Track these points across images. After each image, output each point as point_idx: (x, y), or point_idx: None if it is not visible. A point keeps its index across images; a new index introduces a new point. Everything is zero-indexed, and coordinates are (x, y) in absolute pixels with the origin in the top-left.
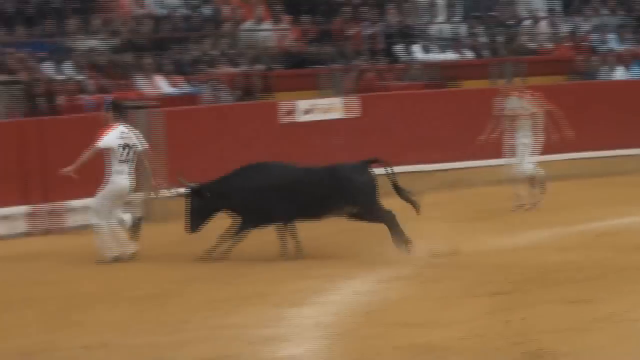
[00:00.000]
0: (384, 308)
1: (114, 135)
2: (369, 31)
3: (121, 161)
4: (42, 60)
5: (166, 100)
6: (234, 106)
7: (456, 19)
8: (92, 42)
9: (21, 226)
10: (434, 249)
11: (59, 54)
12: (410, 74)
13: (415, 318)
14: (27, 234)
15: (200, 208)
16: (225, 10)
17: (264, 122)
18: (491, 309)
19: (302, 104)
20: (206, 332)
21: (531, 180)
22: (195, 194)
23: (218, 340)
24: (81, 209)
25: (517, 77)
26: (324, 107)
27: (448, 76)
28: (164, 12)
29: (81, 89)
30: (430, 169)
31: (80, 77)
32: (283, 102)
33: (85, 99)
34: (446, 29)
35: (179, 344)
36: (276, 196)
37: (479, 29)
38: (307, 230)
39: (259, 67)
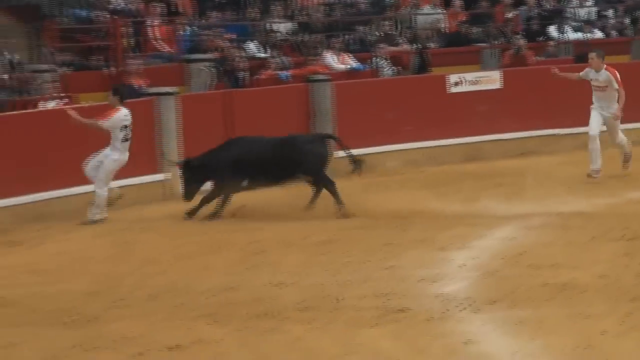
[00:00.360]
0: (524, 251)
1: (118, 118)
2: (525, 14)
3: (123, 140)
4: (241, 41)
5: (340, 75)
6: (408, 78)
7: (589, 3)
8: (285, 25)
9: None
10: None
11: (255, 36)
12: (548, 51)
13: (551, 259)
14: None
15: (191, 178)
16: None
17: (431, 94)
18: (624, 252)
19: (467, 76)
20: (371, 272)
21: (620, 150)
22: (186, 167)
23: (380, 280)
24: None
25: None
26: (478, 80)
27: (581, 53)
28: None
29: (275, 66)
30: (561, 133)
31: (272, 55)
32: (451, 76)
33: (280, 73)
34: (582, 12)
35: (344, 284)
36: (245, 165)
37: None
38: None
39: (426, 45)
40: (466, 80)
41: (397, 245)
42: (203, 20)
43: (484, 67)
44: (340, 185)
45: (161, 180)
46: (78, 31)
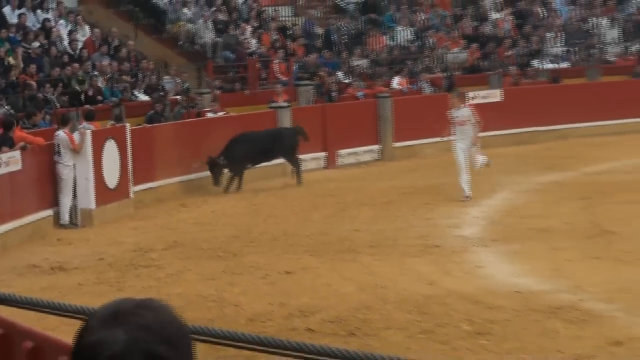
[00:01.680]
0: (516, 207)
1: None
2: (515, 52)
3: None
4: (333, 72)
5: (397, 93)
6: (434, 96)
7: (559, 44)
8: (363, 61)
9: (322, 163)
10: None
11: (342, 68)
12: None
13: (534, 212)
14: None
15: (217, 170)
16: (434, 41)
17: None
18: (582, 207)
19: (481, 93)
20: (415, 222)
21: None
22: (211, 164)
23: (421, 227)
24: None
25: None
26: (487, 95)
27: (555, 77)
28: (402, 43)
29: (355, 88)
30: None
31: (353, 81)
32: (469, 92)
33: (358, 93)
34: (553, 50)
35: (398, 229)
36: (248, 155)
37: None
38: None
39: (453, 73)
40: (479, 96)
41: (432, 204)
42: (307, 58)
43: (491, 87)
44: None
45: (280, 164)
46: (227, 67)
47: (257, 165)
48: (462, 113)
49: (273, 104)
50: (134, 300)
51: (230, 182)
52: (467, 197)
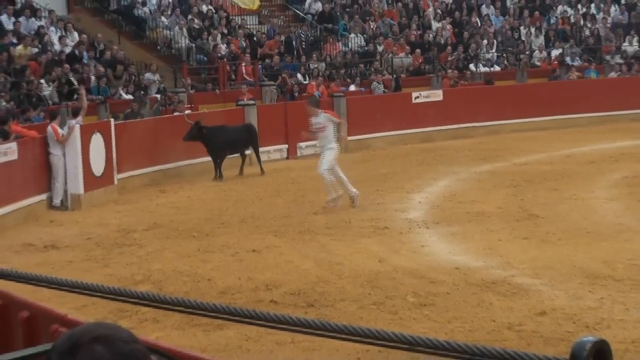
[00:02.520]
0: (455, 193)
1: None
2: (454, 57)
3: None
4: (293, 74)
5: (351, 93)
6: (384, 96)
7: (493, 50)
8: (320, 64)
9: (284, 154)
10: (473, 168)
11: (302, 70)
12: (468, 77)
13: (470, 198)
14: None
15: (195, 131)
16: (380, 47)
17: (402, 103)
18: (512, 193)
19: (423, 93)
20: (367, 206)
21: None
22: (196, 127)
23: (372, 210)
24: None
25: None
26: (429, 95)
27: (488, 79)
28: (355, 48)
29: (313, 88)
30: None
31: (311, 82)
32: (414, 93)
33: (315, 92)
34: (488, 55)
35: (352, 213)
36: (226, 140)
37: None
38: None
39: (399, 75)
40: (422, 96)
41: (382, 191)
42: (271, 61)
43: (433, 88)
44: (354, 156)
45: (249, 154)
46: (200, 69)
47: (232, 155)
48: (320, 120)
49: (240, 102)
50: (92, 332)
51: (217, 171)
52: (331, 201)
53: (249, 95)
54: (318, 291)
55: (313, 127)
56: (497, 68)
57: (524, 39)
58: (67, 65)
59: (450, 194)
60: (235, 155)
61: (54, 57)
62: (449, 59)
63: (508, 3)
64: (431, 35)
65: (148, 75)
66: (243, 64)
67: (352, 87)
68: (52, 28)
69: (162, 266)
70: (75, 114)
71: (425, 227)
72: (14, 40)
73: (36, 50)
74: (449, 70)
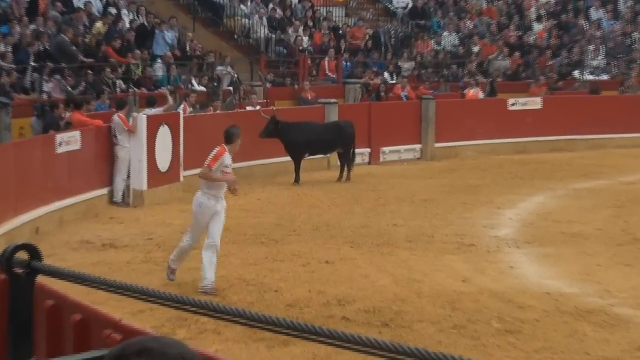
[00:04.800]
0: (550, 211)
1: None
2: (556, 62)
3: None
4: (380, 73)
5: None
6: (477, 101)
7: (600, 57)
8: (409, 63)
9: (366, 159)
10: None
11: (389, 69)
12: (573, 86)
13: (567, 217)
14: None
15: (272, 126)
16: (476, 48)
17: (497, 109)
18: (614, 214)
19: (520, 100)
20: (452, 220)
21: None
22: (273, 122)
23: (458, 225)
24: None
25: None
26: (524, 102)
27: (594, 88)
28: (449, 48)
29: (400, 87)
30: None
31: (398, 82)
32: (510, 99)
33: (402, 93)
34: (594, 62)
35: (436, 227)
36: (305, 140)
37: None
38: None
39: (495, 79)
40: (519, 102)
41: (469, 204)
42: (356, 58)
43: (531, 95)
44: (440, 164)
45: (326, 156)
46: (279, 62)
47: (315, 156)
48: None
49: (321, 100)
50: (140, 344)
51: (297, 173)
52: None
53: (312, 93)
54: (394, 310)
55: (224, 168)
56: (604, 76)
57: (636, 46)
58: (137, 52)
59: (545, 212)
60: (322, 156)
61: (124, 42)
62: (548, 63)
63: (621, 6)
64: (532, 37)
65: (220, 68)
66: (326, 59)
67: (474, 91)
68: (123, 11)
69: (226, 273)
70: (151, 104)
71: (516, 246)
72: (86, 22)
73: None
74: (549, 76)
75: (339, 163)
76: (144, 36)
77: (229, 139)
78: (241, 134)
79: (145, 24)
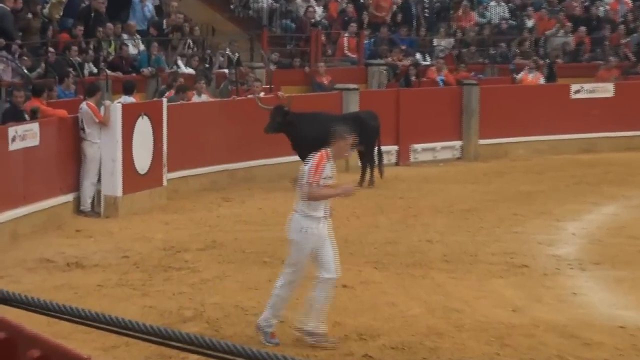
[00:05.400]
0: (624, 225)
1: None
2: (636, 40)
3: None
4: (410, 52)
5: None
6: (531, 87)
7: None
8: (447, 41)
9: (393, 158)
10: None
11: (421, 48)
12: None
13: None
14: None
15: (277, 117)
16: (530, 21)
17: (557, 98)
18: None
19: (581, 86)
20: (500, 235)
21: None
22: (279, 111)
23: (507, 241)
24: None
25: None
26: (592, 89)
27: None
28: (496, 21)
29: (435, 70)
30: None
31: (432, 64)
32: (574, 85)
33: (438, 78)
34: None
35: (479, 243)
36: (315, 136)
37: None
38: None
39: (554, 60)
40: (585, 89)
41: (521, 216)
42: (380, 34)
43: (598, 80)
44: (486, 166)
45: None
46: (286, 38)
47: None
48: None
49: (338, 86)
50: None
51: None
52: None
53: (328, 77)
54: (428, 346)
55: (327, 180)
56: None
57: None
58: (109, 26)
59: (617, 226)
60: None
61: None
62: (622, 41)
63: None
64: (601, 9)
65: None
66: (345, 35)
67: (533, 76)
68: None
69: (220, 299)
70: (127, 91)
71: (580, 268)
72: None
73: None
74: (612, 58)
75: (359, 164)
76: (118, 6)
77: (331, 138)
78: (350, 132)
79: None
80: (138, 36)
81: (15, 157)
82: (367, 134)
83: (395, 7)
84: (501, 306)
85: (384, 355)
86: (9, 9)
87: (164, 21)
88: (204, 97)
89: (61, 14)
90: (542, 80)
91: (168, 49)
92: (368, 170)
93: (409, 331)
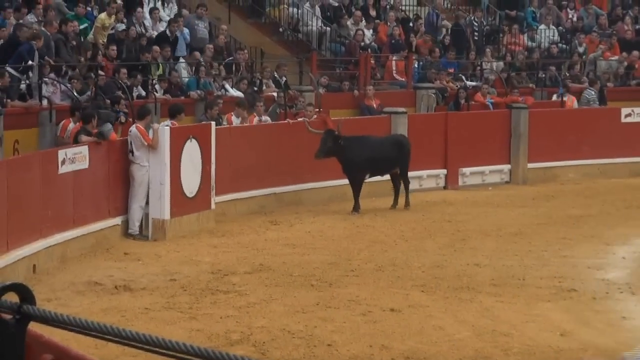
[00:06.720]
0: None
1: None
2: None
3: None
4: (458, 75)
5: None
6: (590, 110)
7: None
8: (496, 64)
9: (441, 182)
10: None
11: (470, 71)
12: None
13: None
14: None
15: (329, 143)
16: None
17: (607, 122)
18: None
19: (633, 110)
20: (549, 259)
21: None
22: (331, 136)
23: (556, 265)
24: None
25: None
26: None
27: None
28: (546, 45)
29: (484, 95)
30: None
31: (482, 87)
32: (624, 109)
33: (487, 101)
34: None
35: (528, 267)
36: (366, 159)
37: None
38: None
39: (605, 84)
40: (636, 113)
41: (570, 239)
42: (430, 58)
43: None
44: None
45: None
46: (335, 61)
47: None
48: None
49: (387, 109)
50: None
51: (356, 199)
52: None
53: (376, 100)
54: None
55: None
56: None
57: None
58: (156, 48)
59: None
60: (379, 178)
61: (138, 37)
62: None
63: None
64: None
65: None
66: (394, 59)
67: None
68: None
69: (267, 323)
70: (172, 115)
71: (630, 292)
72: (94, 12)
73: (122, 27)
74: None
75: (392, 185)
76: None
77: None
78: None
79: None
80: (184, 60)
81: (65, 180)
82: (404, 156)
83: (445, 30)
84: (549, 330)
85: None
86: (50, 34)
87: (212, 45)
88: (265, 119)
89: (105, 40)
90: (575, 104)
91: (219, 72)
92: (404, 191)
93: (456, 355)
